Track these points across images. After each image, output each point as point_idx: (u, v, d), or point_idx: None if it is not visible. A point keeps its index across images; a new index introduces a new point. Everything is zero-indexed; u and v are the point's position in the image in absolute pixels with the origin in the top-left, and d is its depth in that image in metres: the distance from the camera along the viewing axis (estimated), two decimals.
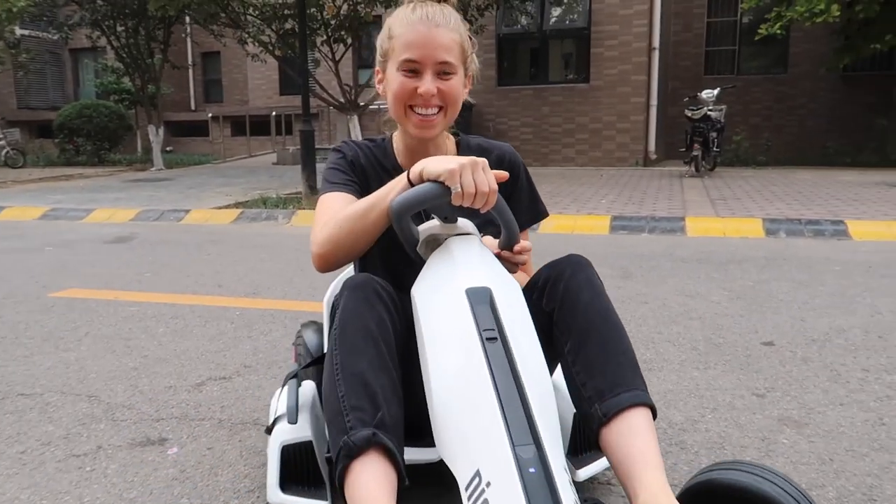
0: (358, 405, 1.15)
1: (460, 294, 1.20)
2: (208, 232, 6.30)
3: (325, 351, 1.65)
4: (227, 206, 7.49)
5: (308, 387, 1.57)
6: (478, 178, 1.20)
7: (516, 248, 1.39)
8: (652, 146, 12.26)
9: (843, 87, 13.25)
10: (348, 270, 1.79)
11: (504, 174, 1.24)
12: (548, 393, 1.15)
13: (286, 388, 1.55)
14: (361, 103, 9.31)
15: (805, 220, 5.54)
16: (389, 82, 1.42)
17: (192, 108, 20.44)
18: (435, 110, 1.40)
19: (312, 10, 8.79)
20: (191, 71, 20.00)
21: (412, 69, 1.37)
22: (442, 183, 1.21)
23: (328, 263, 1.36)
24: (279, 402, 1.53)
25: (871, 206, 6.27)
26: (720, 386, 2.34)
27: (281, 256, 4.95)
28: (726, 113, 10.33)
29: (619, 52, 12.03)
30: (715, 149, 9.83)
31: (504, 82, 12.80)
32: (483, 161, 1.22)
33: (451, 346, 1.16)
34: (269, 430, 1.50)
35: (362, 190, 1.48)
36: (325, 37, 9.16)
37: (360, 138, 9.30)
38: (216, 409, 2.22)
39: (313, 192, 7.74)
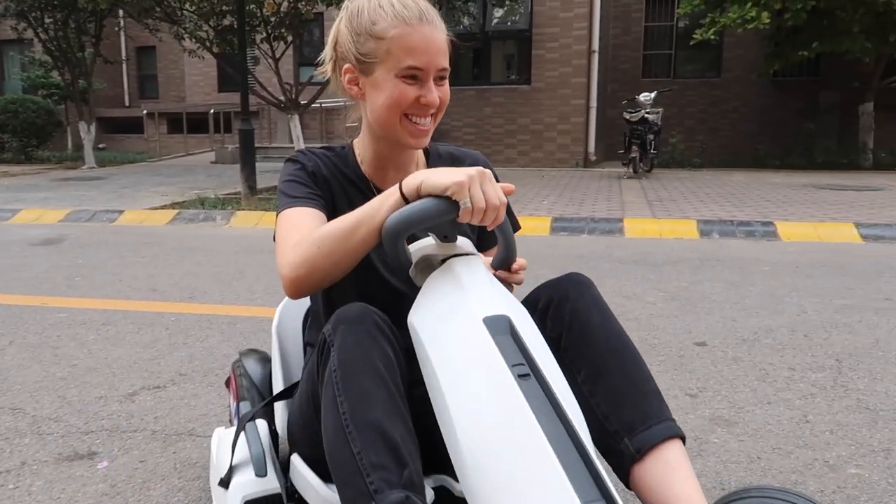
0: (380, 462, 1.00)
1: (477, 324, 1.05)
2: (143, 233, 6.12)
3: (280, 388, 1.48)
4: (163, 207, 7.28)
5: (261, 428, 1.39)
6: (487, 190, 1.08)
7: (514, 266, 1.28)
8: (592, 147, 12.48)
9: (773, 92, 13.75)
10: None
11: (511, 187, 1.14)
12: (588, 435, 1.03)
13: (245, 433, 1.36)
14: (303, 102, 9.19)
15: (737, 221, 5.73)
16: (382, 88, 1.24)
17: (127, 104, 19.81)
18: (430, 118, 1.28)
19: (252, 6, 8.63)
20: (124, 66, 19.37)
21: (413, 76, 1.22)
22: (447, 198, 1.07)
23: (302, 289, 1.18)
24: (236, 450, 1.34)
25: (798, 207, 6.53)
26: None
27: (219, 259, 4.84)
28: (663, 115, 10.60)
29: (559, 54, 12.21)
30: (652, 151, 10.07)
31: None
32: (489, 172, 1.11)
33: (477, 386, 1.00)
34: (224, 483, 1.32)
35: (328, 204, 1.32)
36: (264, 34, 9.00)
37: (300, 137, 9.10)
38: (149, 420, 2.16)
39: (253, 192, 7.60)
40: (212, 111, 14.85)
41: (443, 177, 1.07)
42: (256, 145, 8.04)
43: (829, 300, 3.54)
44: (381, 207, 1.13)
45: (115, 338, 3.03)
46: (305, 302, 1.57)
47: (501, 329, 1.05)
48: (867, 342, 2.86)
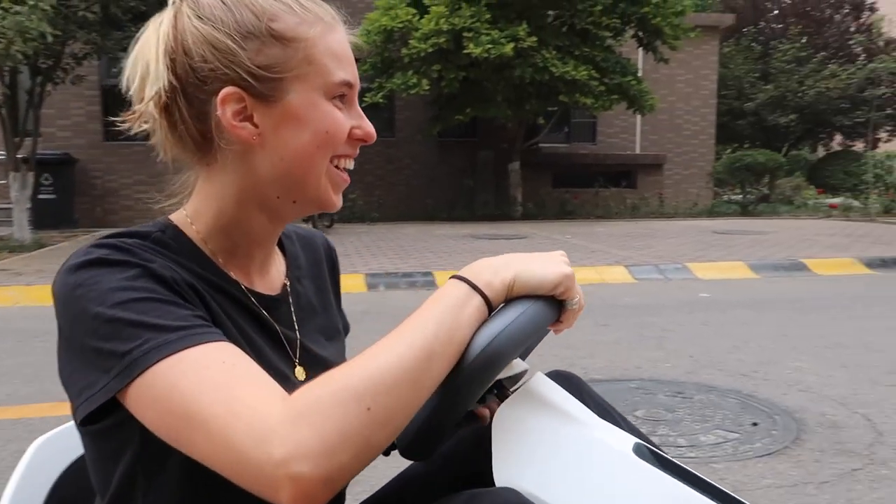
0: None
1: (631, 461, 0.77)
2: None
3: None
4: None
5: None
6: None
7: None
8: None
9: (439, 151, 15.14)
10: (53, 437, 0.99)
11: None
12: None
13: None
14: None
15: (401, 273, 6.10)
16: (305, 119, 0.80)
17: None
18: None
19: None
20: None
21: (342, 96, 0.83)
22: (551, 298, 0.77)
23: (335, 484, 0.64)
24: None
25: (456, 256, 7.18)
26: None
27: None
28: None
29: None
30: None
31: (112, 137, 11.88)
32: None
33: None
34: None
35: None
36: None
37: None
38: None
39: None
40: None
41: (547, 268, 0.77)
42: None
43: None
44: (457, 321, 0.73)
45: None
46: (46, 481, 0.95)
47: (652, 461, 0.80)
48: None
